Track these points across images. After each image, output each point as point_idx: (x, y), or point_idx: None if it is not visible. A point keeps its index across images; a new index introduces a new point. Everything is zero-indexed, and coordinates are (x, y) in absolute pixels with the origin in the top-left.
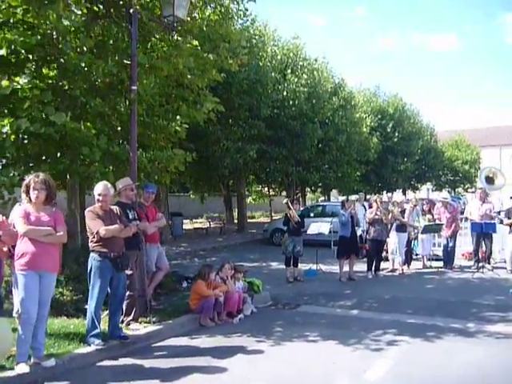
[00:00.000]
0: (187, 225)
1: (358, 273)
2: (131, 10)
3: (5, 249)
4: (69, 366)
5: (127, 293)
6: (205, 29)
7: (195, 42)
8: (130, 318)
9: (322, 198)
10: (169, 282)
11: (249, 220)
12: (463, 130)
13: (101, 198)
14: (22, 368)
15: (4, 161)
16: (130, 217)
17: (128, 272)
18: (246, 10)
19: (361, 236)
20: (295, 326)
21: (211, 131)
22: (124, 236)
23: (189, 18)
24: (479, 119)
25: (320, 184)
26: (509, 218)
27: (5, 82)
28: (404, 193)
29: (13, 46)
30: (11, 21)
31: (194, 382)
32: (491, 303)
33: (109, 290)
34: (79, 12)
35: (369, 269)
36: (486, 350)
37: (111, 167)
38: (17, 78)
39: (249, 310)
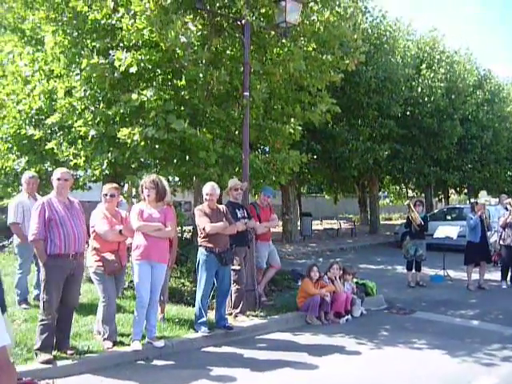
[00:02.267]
0: (318, 225)
1: (491, 282)
2: (243, 22)
3: (128, 242)
4: (176, 348)
5: (235, 287)
6: (321, 30)
7: (312, 45)
8: (238, 310)
9: (473, 200)
10: (283, 279)
11: (385, 222)
12: None
13: (208, 197)
14: (136, 345)
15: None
16: (239, 215)
17: (236, 267)
18: (366, 7)
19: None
20: (403, 331)
21: (338, 132)
22: (229, 233)
23: (307, 22)
24: None
25: (464, 185)
26: None
27: (134, 96)
28: None
29: (142, 64)
30: (140, 42)
31: (284, 375)
32: None
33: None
34: (194, 28)
35: (503, 278)
36: None
37: (228, 169)
38: (144, 92)
39: (358, 312)
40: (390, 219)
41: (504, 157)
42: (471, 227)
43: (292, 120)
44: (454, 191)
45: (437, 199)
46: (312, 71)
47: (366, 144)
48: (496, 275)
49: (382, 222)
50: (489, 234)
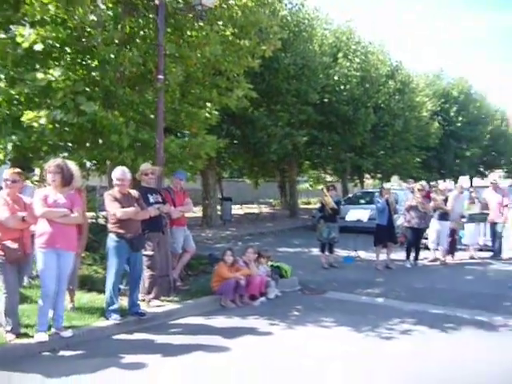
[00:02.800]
0: (239, 210)
1: (397, 261)
2: (157, 2)
3: (32, 229)
4: (85, 337)
5: (149, 272)
6: (236, 16)
7: (230, 30)
8: (151, 296)
9: (382, 185)
10: (199, 264)
11: (304, 206)
12: None
13: (118, 182)
14: (42, 337)
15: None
16: (151, 200)
17: (149, 253)
18: None
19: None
20: (314, 311)
21: (258, 117)
22: (141, 218)
23: (225, 6)
24: None
25: (378, 170)
26: None
27: (40, 75)
28: (471, 180)
29: (47, 41)
30: (45, 18)
31: (195, 358)
32: None
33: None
34: (103, 6)
35: (407, 258)
36: (506, 345)
37: (143, 153)
38: (51, 71)
39: (272, 294)
40: (310, 203)
41: (413, 144)
42: (379, 210)
43: (208, 104)
44: (368, 176)
45: (353, 184)
46: (229, 56)
47: (285, 129)
48: (402, 255)
49: (301, 206)
50: (395, 216)
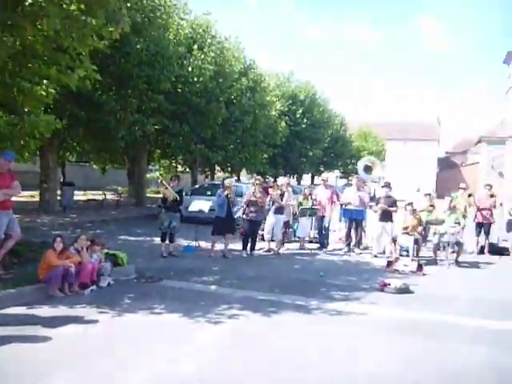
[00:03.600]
0: (82, 196)
1: (235, 251)
2: None
3: None
4: None
5: None
6: None
7: (75, 5)
8: None
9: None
10: (28, 250)
11: (153, 195)
12: (372, 122)
13: None
14: None
15: None
16: None
17: None
18: None
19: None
20: (146, 298)
21: (106, 100)
22: None
23: None
24: (387, 113)
25: (228, 164)
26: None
27: None
28: (312, 178)
29: None
30: None
31: (8, 349)
32: (343, 283)
33: None
34: None
35: (244, 248)
36: (316, 324)
37: None
38: None
39: (105, 282)
40: (159, 192)
41: (261, 140)
42: (219, 204)
43: (45, 81)
44: (219, 168)
45: (204, 175)
46: (73, 33)
47: (135, 116)
48: (240, 245)
49: (150, 195)
50: (235, 209)
